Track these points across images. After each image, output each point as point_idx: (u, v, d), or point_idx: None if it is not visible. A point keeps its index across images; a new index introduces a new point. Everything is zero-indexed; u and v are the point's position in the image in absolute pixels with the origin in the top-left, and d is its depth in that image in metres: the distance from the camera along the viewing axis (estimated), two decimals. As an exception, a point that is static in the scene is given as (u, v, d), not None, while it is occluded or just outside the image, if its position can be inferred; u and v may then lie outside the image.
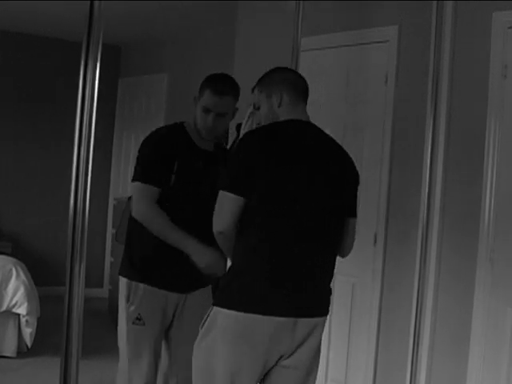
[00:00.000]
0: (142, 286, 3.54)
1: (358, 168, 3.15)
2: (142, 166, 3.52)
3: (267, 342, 2.83)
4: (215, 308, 2.89)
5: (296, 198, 2.89)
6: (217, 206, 2.89)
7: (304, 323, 2.90)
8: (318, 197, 2.94)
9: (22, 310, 5.83)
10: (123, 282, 3.60)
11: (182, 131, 3.62)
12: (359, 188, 3.17)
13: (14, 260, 6.13)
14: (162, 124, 8.13)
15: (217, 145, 3.73)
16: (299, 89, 3.14)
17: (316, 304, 2.99)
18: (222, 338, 2.84)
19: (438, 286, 4.39)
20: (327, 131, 3.10)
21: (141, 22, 7.40)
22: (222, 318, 2.85)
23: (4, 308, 5.84)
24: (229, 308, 2.83)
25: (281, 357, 2.91)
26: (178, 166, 3.51)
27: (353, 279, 4.95)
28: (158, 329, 3.59)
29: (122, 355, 3.61)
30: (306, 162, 2.94)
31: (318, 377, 3.08)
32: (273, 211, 2.86)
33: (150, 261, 3.58)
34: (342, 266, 5.00)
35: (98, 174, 8.42)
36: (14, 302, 5.83)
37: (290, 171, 2.89)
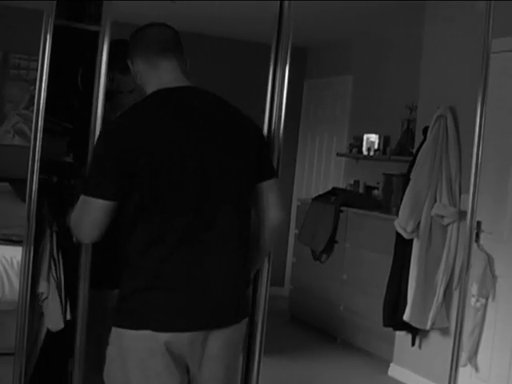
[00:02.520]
0: None
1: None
2: None
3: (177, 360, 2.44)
4: (114, 329, 2.47)
5: (188, 185, 2.43)
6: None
7: (217, 335, 2.50)
8: (216, 177, 2.48)
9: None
10: None
11: None
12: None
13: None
14: (346, 127, 8.14)
15: None
16: (157, 45, 2.55)
17: (229, 310, 2.55)
18: (130, 363, 2.43)
19: None
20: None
21: (327, 22, 7.43)
22: (126, 340, 2.43)
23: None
24: (130, 328, 2.42)
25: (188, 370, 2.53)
26: None
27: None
28: None
29: None
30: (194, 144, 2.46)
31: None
32: (162, 206, 2.40)
33: None
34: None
35: (283, 174, 8.47)
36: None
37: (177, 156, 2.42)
